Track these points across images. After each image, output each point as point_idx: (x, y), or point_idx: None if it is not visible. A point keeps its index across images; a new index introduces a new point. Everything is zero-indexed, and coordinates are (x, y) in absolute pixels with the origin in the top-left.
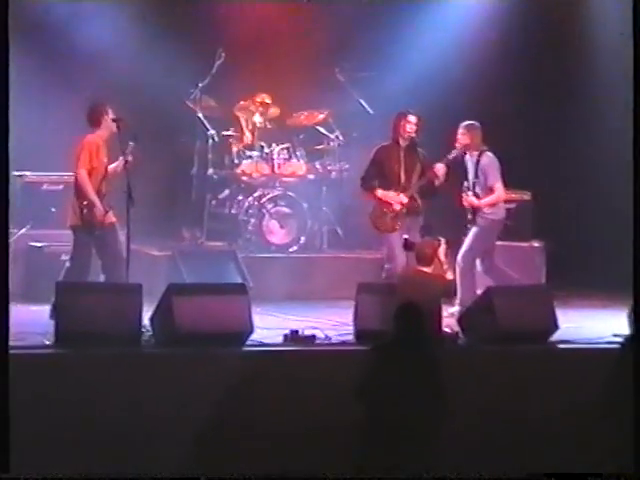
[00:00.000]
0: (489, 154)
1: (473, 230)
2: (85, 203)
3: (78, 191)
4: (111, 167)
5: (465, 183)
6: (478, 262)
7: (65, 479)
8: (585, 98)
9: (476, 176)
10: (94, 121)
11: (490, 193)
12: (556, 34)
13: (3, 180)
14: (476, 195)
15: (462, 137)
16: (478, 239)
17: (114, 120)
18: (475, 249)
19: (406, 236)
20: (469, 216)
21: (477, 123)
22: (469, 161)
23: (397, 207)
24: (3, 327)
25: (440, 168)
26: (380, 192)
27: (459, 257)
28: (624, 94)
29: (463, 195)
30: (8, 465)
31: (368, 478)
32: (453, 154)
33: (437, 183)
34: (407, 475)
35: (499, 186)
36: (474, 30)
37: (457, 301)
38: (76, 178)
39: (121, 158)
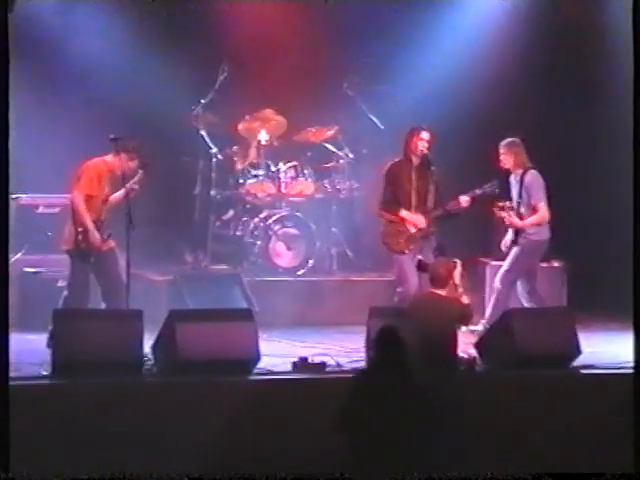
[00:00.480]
0: (533, 172)
1: (514, 250)
2: (80, 229)
3: (74, 215)
4: (115, 196)
5: (508, 202)
6: (519, 284)
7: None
8: (609, 110)
9: (520, 195)
10: (114, 149)
11: (534, 213)
12: (576, 40)
13: (3, 206)
14: (519, 215)
15: (505, 157)
16: (518, 260)
17: (132, 155)
18: (515, 270)
19: (420, 257)
20: (512, 236)
21: (519, 140)
22: (513, 180)
23: (412, 230)
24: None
25: (465, 201)
26: (404, 213)
27: (497, 278)
28: None
29: (505, 214)
30: (8, 465)
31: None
32: (483, 189)
33: (456, 211)
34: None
35: (543, 205)
36: (489, 40)
37: (483, 320)
38: (72, 200)
39: (127, 186)
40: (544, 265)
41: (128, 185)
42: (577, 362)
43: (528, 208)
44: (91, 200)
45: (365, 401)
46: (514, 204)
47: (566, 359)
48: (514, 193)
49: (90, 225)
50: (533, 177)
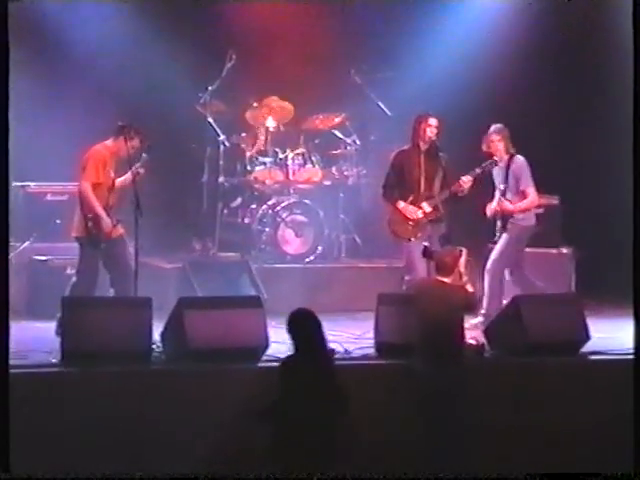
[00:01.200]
0: (520, 157)
1: (503, 237)
2: (90, 215)
3: (83, 203)
4: (120, 180)
5: (499, 189)
6: (507, 272)
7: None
8: (615, 98)
9: (506, 181)
10: (113, 132)
11: (522, 198)
12: (579, 31)
13: (3, 191)
14: (508, 201)
15: (498, 143)
16: (508, 247)
17: (132, 135)
18: (505, 257)
19: (426, 243)
20: (498, 223)
21: (503, 125)
22: (497, 166)
23: (419, 215)
24: (4, 324)
25: (467, 181)
26: (402, 205)
27: (488, 265)
28: None
29: (494, 201)
30: (8, 465)
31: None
32: (483, 167)
33: (461, 194)
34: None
35: (532, 190)
36: (496, 27)
37: (482, 311)
38: (80, 190)
39: (132, 170)
40: (553, 252)
41: (133, 169)
42: (586, 348)
43: (516, 194)
44: (98, 187)
45: (290, 391)
46: (500, 190)
47: (575, 345)
48: (499, 179)
49: (102, 212)
50: (520, 162)
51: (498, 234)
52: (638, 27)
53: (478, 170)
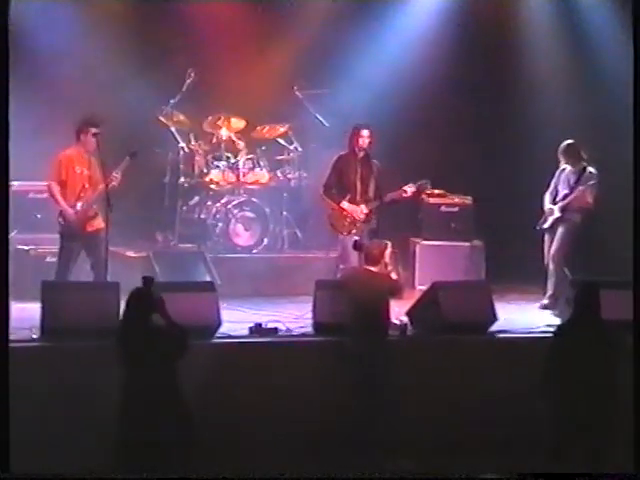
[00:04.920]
0: (592, 169)
1: (562, 229)
2: (60, 211)
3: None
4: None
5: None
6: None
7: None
8: (530, 108)
9: (577, 183)
10: (76, 136)
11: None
12: (498, 33)
13: (3, 190)
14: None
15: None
16: (567, 236)
17: (94, 134)
18: (565, 246)
19: (356, 238)
20: (552, 216)
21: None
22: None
23: (362, 216)
24: (4, 329)
25: (409, 191)
26: (346, 205)
27: (552, 252)
28: (565, 100)
29: (560, 196)
30: (8, 465)
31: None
32: (421, 184)
33: (403, 199)
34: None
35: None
36: (427, 42)
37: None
38: (47, 188)
39: (112, 175)
40: (466, 245)
41: (114, 173)
42: (494, 327)
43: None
44: (65, 185)
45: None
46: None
47: (484, 325)
48: (568, 180)
49: (64, 206)
50: (594, 174)
51: (548, 225)
52: (638, 28)
53: (417, 185)
